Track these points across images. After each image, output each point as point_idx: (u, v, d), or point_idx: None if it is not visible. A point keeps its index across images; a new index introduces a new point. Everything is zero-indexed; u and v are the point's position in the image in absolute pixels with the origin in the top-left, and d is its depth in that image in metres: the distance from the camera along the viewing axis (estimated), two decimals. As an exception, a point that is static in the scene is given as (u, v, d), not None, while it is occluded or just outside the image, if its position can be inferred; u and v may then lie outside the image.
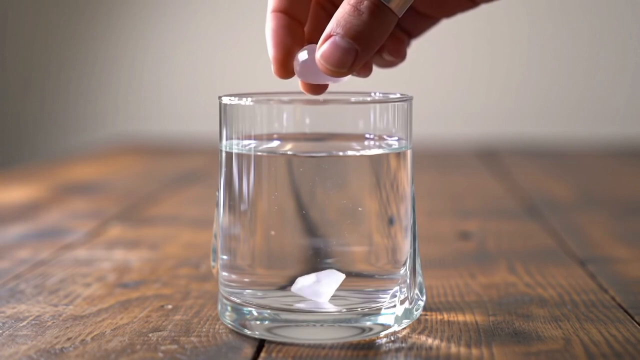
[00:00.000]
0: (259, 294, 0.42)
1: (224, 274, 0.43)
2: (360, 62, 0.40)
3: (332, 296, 0.41)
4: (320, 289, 0.41)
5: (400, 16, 0.39)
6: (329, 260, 0.41)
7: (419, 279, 0.44)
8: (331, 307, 0.41)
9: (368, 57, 0.40)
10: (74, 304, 0.47)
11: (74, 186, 0.94)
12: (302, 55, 0.41)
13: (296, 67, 0.41)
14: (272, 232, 0.41)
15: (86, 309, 0.46)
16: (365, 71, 0.43)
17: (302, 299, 0.41)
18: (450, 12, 0.47)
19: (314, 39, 0.43)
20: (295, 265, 0.41)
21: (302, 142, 0.42)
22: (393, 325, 0.42)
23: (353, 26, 0.39)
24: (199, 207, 0.81)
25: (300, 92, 0.43)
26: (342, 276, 0.41)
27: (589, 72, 1.59)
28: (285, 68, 0.42)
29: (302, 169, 0.41)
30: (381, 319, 0.41)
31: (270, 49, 0.42)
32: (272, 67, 0.42)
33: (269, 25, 0.42)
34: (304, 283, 0.41)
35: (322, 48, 0.39)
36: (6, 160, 1.63)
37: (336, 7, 0.43)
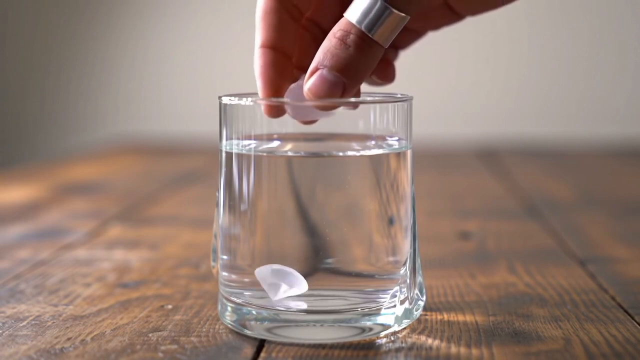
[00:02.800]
0: (259, 294, 0.42)
1: (224, 274, 0.43)
2: (348, 95, 0.40)
3: (332, 296, 0.41)
4: (281, 288, 0.41)
5: (386, 47, 0.40)
6: (329, 260, 0.41)
7: (419, 279, 0.44)
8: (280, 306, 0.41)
9: (356, 89, 0.40)
10: (74, 304, 0.47)
11: (74, 186, 0.94)
12: (292, 97, 0.41)
13: (287, 109, 0.41)
14: (264, 231, 0.41)
15: (86, 309, 0.46)
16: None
17: (303, 299, 0.41)
18: (435, 26, 0.47)
19: (301, 64, 0.43)
20: (296, 265, 0.41)
21: (302, 142, 0.42)
22: (393, 325, 0.42)
23: (340, 59, 0.39)
24: (199, 207, 0.81)
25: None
26: (305, 288, 0.41)
27: (589, 72, 1.60)
28: (275, 109, 0.41)
29: (302, 169, 0.41)
30: (381, 319, 0.41)
31: (259, 90, 0.42)
32: (262, 108, 0.42)
33: (257, 63, 0.42)
34: (266, 272, 0.41)
35: (310, 82, 0.39)
36: (6, 160, 1.63)
37: (322, 31, 0.43)
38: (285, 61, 0.43)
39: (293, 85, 0.41)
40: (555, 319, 0.44)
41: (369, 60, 0.39)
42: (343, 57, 0.39)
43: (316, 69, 0.39)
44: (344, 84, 0.39)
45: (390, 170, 0.42)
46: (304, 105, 0.40)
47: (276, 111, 0.41)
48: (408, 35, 0.47)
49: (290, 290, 0.40)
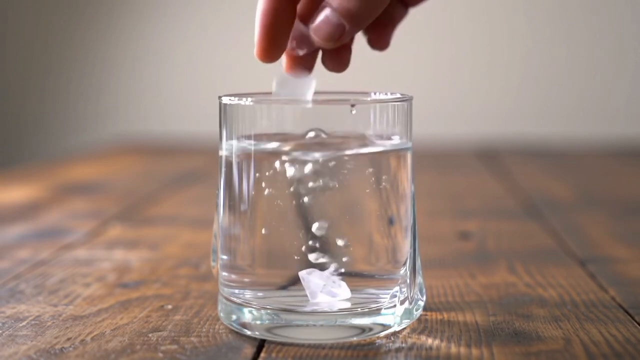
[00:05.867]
0: (259, 294, 0.42)
1: (224, 274, 0.43)
2: (347, 37, 0.41)
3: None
4: (321, 294, 0.41)
5: (389, 0, 0.41)
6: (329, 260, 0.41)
7: (419, 279, 0.44)
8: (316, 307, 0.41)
9: (353, 35, 0.42)
10: (74, 304, 0.47)
11: (74, 186, 0.94)
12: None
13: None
14: (264, 231, 0.41)
15: (86, 309, 0.46)
16: (340, 66, 0.44)
17: (303, 299, 0.41)
18: None
19: (308, 12, 0.43)
20: (296, 265, 0.41)
21: (302, 142, 0.42)
22: (393, 325, 0.42)
23: (345, 3, 0.41)
24: (199, 207, 0.81)
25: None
26: (348, 295, 0.41)
27: (589, 72, 1.59)
28: (267, 52, 0.42)
29: (302, 169, 0.41)
30: (381, 319, 0.41)
31: (256, 30, 0.42)
32: (255, 49, 0.42)
33: (259, 7, 0.42)
34: (315, 280, 0.41)
35: (315, 22, 0.41)
36: (6, 160, 1.63)
37: None
38: (289, 7, 0.43)
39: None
40: (555, 319, 0.44)
41: (372, 10, 0.41)
42: (349, 1, 0.41)
43: (322, 8, 0.41)
44: (344, 27, 0.41)
45: (390, 170, 0.42)
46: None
47: (267, 54, 0.42)
48: None
49: (335, 297, 0.41)
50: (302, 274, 0.41)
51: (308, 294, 0.41)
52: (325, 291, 0.41)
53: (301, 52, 0.43)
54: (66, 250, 0.61)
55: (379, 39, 0.47)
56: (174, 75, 1.67)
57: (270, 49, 0.42)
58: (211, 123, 0.75)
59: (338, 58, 0.45)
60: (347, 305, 0.41)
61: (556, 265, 0.56)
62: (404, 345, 0.40)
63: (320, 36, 0.41)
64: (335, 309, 0.41)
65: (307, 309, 0.41)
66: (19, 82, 1.70)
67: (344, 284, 0.41)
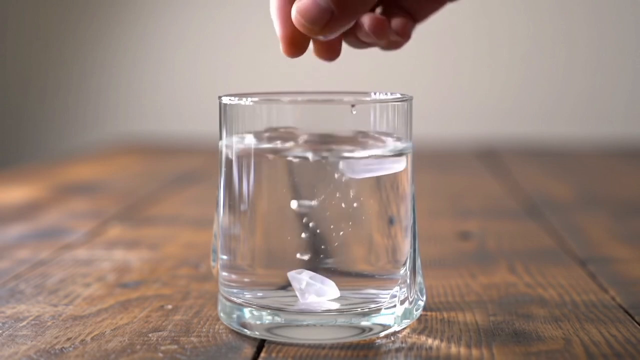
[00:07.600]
0: (259, 294, 0.42)
1: (224, 274, 0.43)
2: (334, 26, 0.40)
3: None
4: (310, 294, 0.41)
5: None
6: (329, 260, 0.41)
7: (419, 279, 0.44)
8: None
9: (342, 25, 0.40)
10: (74, 304, 0.47)
11: (74, 186, 0.94)
12: None
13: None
14: (264, 231, 0.41)
15: (86, 309, 0.46)
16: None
17: (295, 299, 0.41)
18: None
19: None
20: (296, 266, 0.41)
21: (301, 142, 0.42)
22: (393, 325, 0.42)
23: None
24: (199, 207, 0.81)
25: (301, 92, 0.43)
26: (337, 295, 0.41)
27: (589, 72, 1.60)
28: (294, 46, 0.41)
29: (302, 169, 0.41)
30: (381, 319, 0.41)
31: (277, 28, 0.41)
32: (281, 46, 0.41)
33: (274, 1, 0.42)
34: (304, 279, 0.41)
35: (300, 2, 0.40)
36: (6, 160, 1.63)
37: None
38: None
39: None
40: (556, 319, 0.44)
41: (363, 2, 0.40)
42: None
43: None
44: (332, 12, 0.39)
45: (390, 170, 0.42)
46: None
47: (294, 48, 0.41)
48: (427, 5, 0.47)
49: (323, 297, 0.41)
50: (292, 273, 0.41)
51: (297, 294, 0.41)
52: (314, 291, 0.41)
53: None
54: (66, 250, 0.61)
55: (403, 29, 0.46)
56: (174, 75, 1.68)
57: (296, 43, 0.41)
58: (211, 123, 0.75)
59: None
60: (336, 305, 0.41)
61: (556, 265, 0.56)
62: (404, 345, 0.40)
63: (306, 17, 0.39)
64: (323, 308, 0.41)
65: (295, 308, 0.41)
66: (19, 82, 1.70)
67: (332, 283, 0.41)
